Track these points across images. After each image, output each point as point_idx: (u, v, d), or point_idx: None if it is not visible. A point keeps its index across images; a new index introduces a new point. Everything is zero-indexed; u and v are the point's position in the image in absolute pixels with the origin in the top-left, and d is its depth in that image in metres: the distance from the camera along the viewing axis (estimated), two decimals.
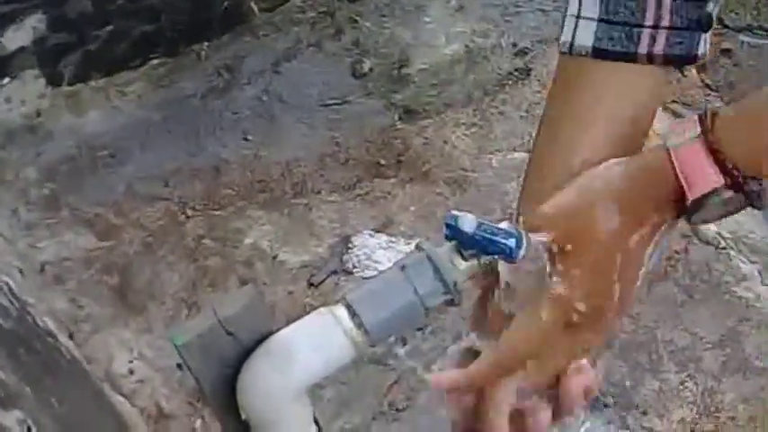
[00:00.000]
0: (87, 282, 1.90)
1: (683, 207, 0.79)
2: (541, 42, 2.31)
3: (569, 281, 0.83)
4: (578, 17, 0.88)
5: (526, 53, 2.29)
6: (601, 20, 0.87)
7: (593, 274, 0.82)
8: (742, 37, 2.32)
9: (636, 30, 0.85)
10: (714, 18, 0.86)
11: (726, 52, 2.30)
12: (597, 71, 0.88)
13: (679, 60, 0.86)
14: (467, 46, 2.32)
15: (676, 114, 2.21)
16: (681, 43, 0.85)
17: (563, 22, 0.89)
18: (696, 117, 0.78)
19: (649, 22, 0.85)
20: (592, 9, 0.87)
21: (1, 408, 1.09)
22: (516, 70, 2.28)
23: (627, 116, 0.87)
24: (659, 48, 0.85)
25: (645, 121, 0.89)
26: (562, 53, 0.89)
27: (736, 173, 0.76)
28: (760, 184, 0.76)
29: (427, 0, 2.40)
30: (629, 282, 0.84)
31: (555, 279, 0.83)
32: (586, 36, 0.87)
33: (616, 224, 0.81)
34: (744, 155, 0.76)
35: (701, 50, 0.86)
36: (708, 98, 2.24)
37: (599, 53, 0.87)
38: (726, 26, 2.35)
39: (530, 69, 2.26)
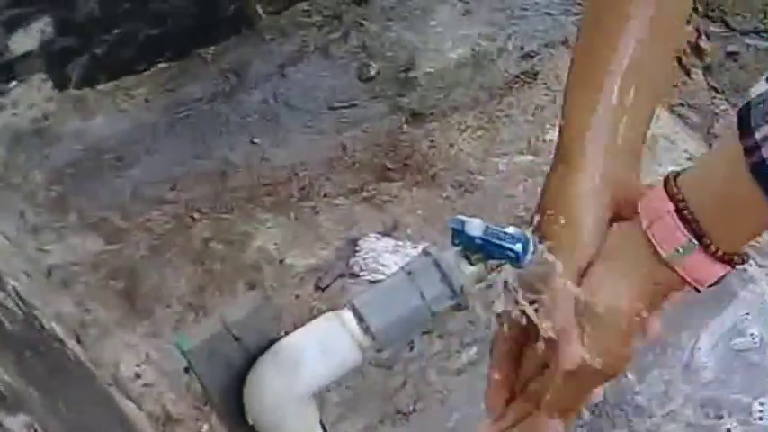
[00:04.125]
0: (94, 285, 1.90)
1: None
2: (548, 46, 2.30)
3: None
4: None
5: (533, 56, 2.29)
6: None
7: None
8: (748, 40, 2.32)
9: None
10: None
11: (732, 55, 2.30)
12: None
13: None
14: (473, 49, 2.32)
15: (683, 118, 2.21)
16: None
17: None
18: (680, 225, 0.80)
19: None
20: None
21: (7, 412, 1.09)
22: (523, 74, 2.28)
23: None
24: None
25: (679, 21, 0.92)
26: None
27: (735, 257, 0.81)
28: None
29: (434, 4, 2.40)
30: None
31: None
32: None
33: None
34: (734, 243, 0.80)
35: None
36: (714, 101, 2.24)
37: None
38: (732, 29, 2.34)
39: (536, 73, 2.26)
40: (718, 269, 0.80)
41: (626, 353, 0.85)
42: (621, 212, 0.87)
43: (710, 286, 0.83)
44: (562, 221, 0.85)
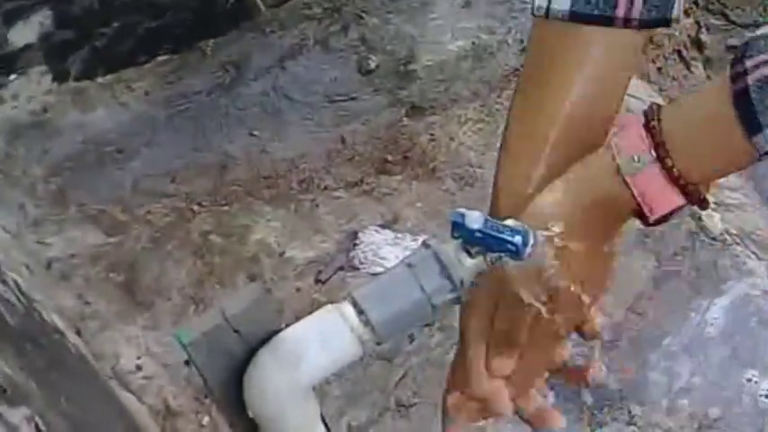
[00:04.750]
0: (94, 278, 1.90)
1: (642, 216, 0.81)
2: None
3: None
4: None
5: None
6: None
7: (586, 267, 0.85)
8: (748, 33, 2.31)
9: None
10: None
11: (732, 48, 2.30)
12: (573, 35, 0.87)
13: (654, 24, 0.87)
14: (473, 42, 2.32)
15: None
16: (657, 7, 0.86)
17: None
18: (643, 134, 0.79)
19: None
20: None
21: (8, 405, 1.09)
22: (522, 66, 2.27)
23: (604, 79, 0.87)
24: (636, 12, 0.85)
25: (621, 85, 0.90)
26: (536, 16, 0.89)
27: (693, 191, 0.79)
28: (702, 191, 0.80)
29: None
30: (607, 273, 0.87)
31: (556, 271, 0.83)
32: (563, 0, 0.87)
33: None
34: (695, 170, 0.78)
35: (674, 13, 0.88)
36: None
37: (576, 17, 0.86)
38: (732, 22, 2.34)
39: None
40: (673, 196, 0.78)
41: (591, 269, 0.85)
42: None
43: (661, 222, 0.80)
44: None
